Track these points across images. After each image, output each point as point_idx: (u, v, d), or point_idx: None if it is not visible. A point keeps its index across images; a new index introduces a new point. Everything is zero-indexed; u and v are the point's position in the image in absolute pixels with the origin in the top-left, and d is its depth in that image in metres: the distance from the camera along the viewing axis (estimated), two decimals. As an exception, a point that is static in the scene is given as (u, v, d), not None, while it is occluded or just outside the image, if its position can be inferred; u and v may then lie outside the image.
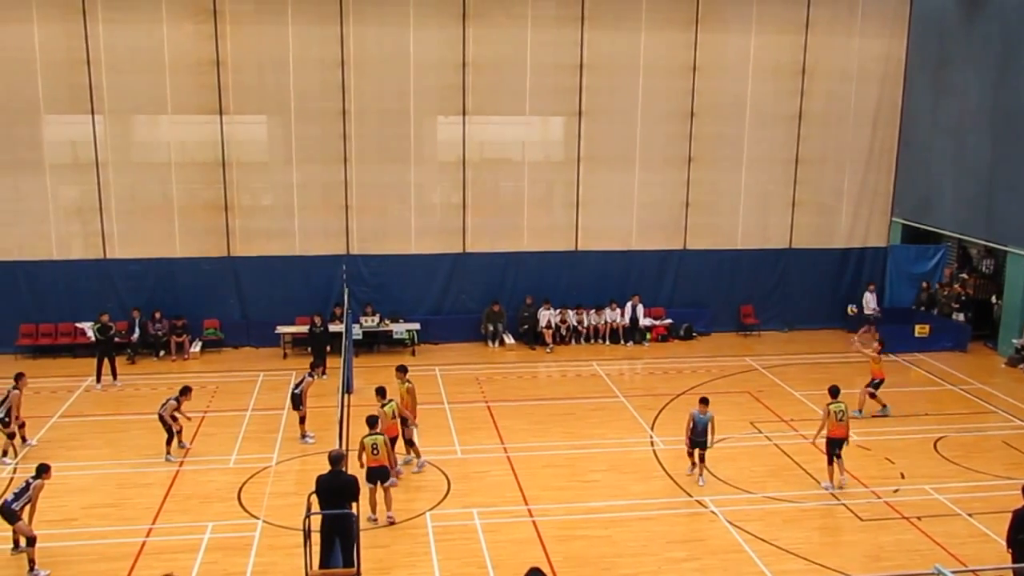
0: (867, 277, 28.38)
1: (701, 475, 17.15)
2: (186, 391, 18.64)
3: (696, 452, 17.19)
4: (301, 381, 19.31)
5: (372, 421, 15.83)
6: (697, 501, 16.41)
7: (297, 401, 19.17)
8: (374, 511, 15.52)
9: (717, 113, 27.02)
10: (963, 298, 27.11)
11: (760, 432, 19.89)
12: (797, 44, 26.96)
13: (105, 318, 23.33)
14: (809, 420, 19.88)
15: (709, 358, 25.55)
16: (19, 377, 18.90)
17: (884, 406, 21.03)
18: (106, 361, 22.96)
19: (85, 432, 19.72)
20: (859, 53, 27.33)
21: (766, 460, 18.36)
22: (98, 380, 22.85)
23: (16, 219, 25.01)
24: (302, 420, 19.19)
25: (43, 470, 14.53)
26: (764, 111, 27.22)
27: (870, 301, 27.98)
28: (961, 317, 26.90)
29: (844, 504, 16.37)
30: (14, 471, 17.45)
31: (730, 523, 15.58)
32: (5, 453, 18.11)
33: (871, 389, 20.91)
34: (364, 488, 14.58)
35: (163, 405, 18.31)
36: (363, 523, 14.78)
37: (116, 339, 23.75)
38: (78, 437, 19.40)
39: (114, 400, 21.93)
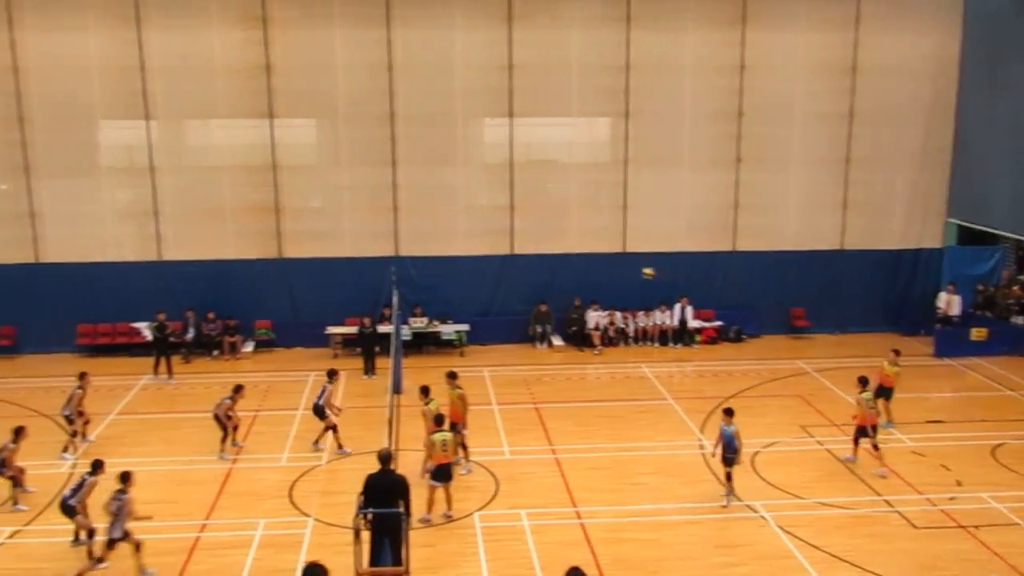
0: (922, 279, 27.92)
1: (729, 494, 16.43)
2: (239, 389, 18.89)
3: (724, 470, 16.51)
4: (322, 391, 19.01)
5: (440, 419, 16.23)
6: (747, 505, 16.27)
7: (321, 412, 18.78)
8: (429, 511, 15.56)
9: (765, 112, 26.76)
10: (1022, 301, 26.57)
11: (811, 436, 19.67)
12: (847, 41, 26.61)
13: (162, 317, 23.87)
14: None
15: (759, 361, 25.33)
16: (83, 376, 19.44)
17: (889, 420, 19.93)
18: (162, 359, 23.61)
19: (141, 429, 20.10)
20: (911, 50, 26.88)
21: (817, 465, 18.16)
22: (155, 373, 23.57)
23: (74, 222, 25.60)
24: (334, 429, 18.77)
25: (97, 466, 14.84)
26: (813, 110, 26.90)
27: (953, 303, 26.91)
28: (1020, 320, 26.37)
29: (898, 511, 16.12)
30: (73, 467, 17.83)
31: (780, 528, 15.44)
32: (66, 449, 18.58)
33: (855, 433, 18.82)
34: (419, 487, 14.73)
35: (218, 404, 18.61)
36: (413, 523, 14.97)
37: (171, 338, 24.20)
38: (134, 434, 19.78)
39: (169, 398, 22.34)
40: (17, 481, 16.41)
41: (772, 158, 27.08)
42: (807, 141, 27.06)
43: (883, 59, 26.80)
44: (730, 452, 16.30)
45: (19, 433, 16.62)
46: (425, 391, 17.54)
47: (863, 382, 18.24)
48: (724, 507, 16.19)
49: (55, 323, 25.44)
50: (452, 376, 18.22)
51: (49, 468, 17.67)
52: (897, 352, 20.53)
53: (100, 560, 13.74)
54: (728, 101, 26.58)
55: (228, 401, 18.64)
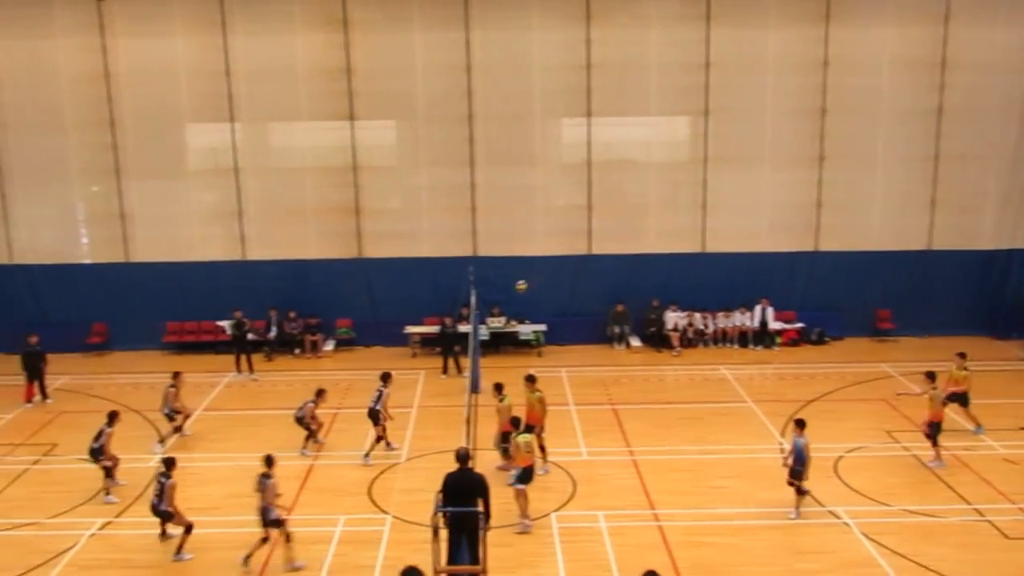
0: (1015, 280, 26.95)
1: (797, 508, 15.79)
2: (321, 393, 19.09)
3: (794, 484, 15.79)
4: (378, 395, 18.64)
5: (517, 421, 16.26)
6: (829, 511, 15.94)
7: (376, 417, 18.52)
8: (528, 516, 15.46)
9: (850, 109, 26.14)
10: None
11: (897, 442, 19.17)
12: (935, 36, 25.83)
13: (239, 314, 24.38)
14: (950, 431, 18.92)
15: (842, 364, 24.81)
16: (176, 375, 20.02)
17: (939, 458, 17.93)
18: (242, 356, 24.25)
19: (226, 425, 20.57)
20: (1003, 43, 25.92)
21: (903, 471, 17.69)
22: (238, 371, 24.19)
23: (162, 223, 26.34)
24: (380, 439, 18.65)
25: (169, 465, 15.07)
26: (900, 106, 26.19)
27: None
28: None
29: (988, 520, 15.61)
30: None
31: (863, 535, 15.08)
32: (161, 441, 19.19)
33: (926, 429, 17.97)
34: (502, 489, 14.80)
35: (300, 408, 18.85)
36: (518, 529, 15.20)
37: (249, 335, 24.74)
38: (219, 430, 20.25)
39: (252, 395, 22.81)
40: (109, 472, 16.90)
41: (857, 156, 26.47)
42: (893, 138, 26.38)
43: (974, 54, 25.90)
44: (799, 465, 15.71)
45: (114, 418, 17.16)
46: (499, 388, 17.68)
47: (931, 377, 18.06)
48: (792, 519, 15.65)
49: (144, 321, 26.20)
50: (531, 380, 18.08)
51: (138, 462, 18.15)
52: (963, 355, 19.90)
53: (265, 539, 14.18)
54: (811, 98, 26.06)
55: (311, 405, 18.88)
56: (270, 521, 14.15)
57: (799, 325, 26.78)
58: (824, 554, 14.56)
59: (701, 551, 14.65)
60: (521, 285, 22.09)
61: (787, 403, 21.48)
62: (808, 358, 25.55)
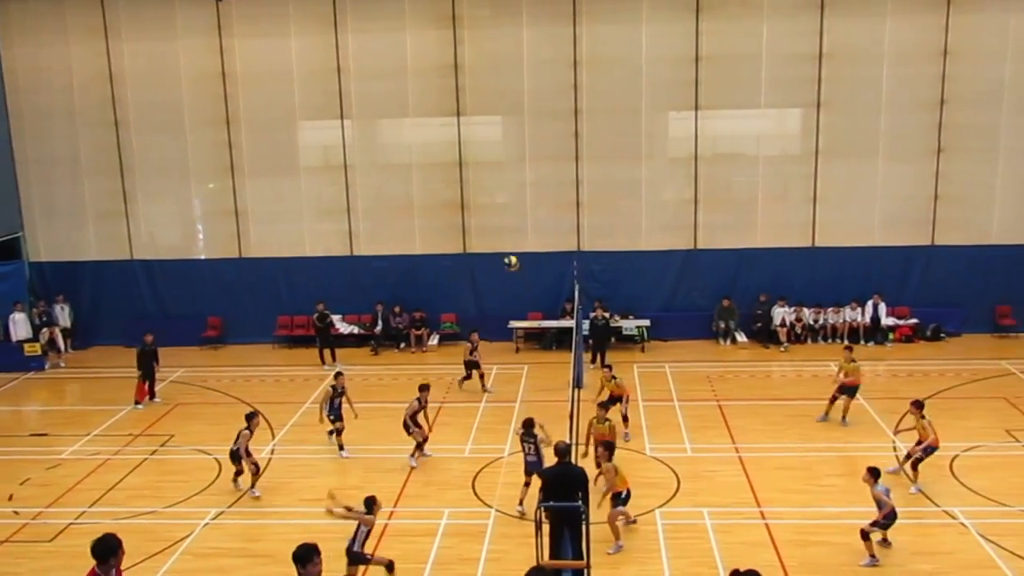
0: None
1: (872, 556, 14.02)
2: (424, 388, 18.58)
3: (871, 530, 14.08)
4: (419, 405, 18.35)
5: (610, 446, 15.54)
6: (945, 511, 15.43)
7: (409, 427, 18.13)
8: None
9: (971, 100, 25.19)
10: None
11: (1018, 441, 18.44)
12: (1063, 22, 24.74)
13: (321, 306, 24.96)
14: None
15: (959, 360, 23.95)
16: (251, 417, 17.34)
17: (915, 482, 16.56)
18: (325, 350, 24.96)
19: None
20: None
21: (1024, 471, 17.02)
22: (322, 362, 24.79)
23: (275, 218, 27.11)
24: (420, 445, 18.32)
25: (250, 419, 17.05)
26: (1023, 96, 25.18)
27: None
28: None
29: (1117, 524, 14.92)
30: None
31: (983, 537, 14.55)
32: (341, 448, 18.80)
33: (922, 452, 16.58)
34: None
35: (409, 409, 18.24)
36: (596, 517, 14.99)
37: (332, 326, 25.44)
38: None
39: (365, 389, 23.16)
40: (240, 474, 17.10)
41: (977, 148, 25.47)
42: (1016, 129, 25.29)
43: (1105, 39, 24.74)
44: (889, 518, 14.03)
45: (251, 419, 17.08)
46: (609, 367, 19.66)
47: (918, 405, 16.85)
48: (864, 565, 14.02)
49: (257, 315, 27.02)
50: (603, 407, 17.68)
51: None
52: (850, 348, 20.65)
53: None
54: (929, 89, 25.20)
55: (415, 403, 18.21)
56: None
57: (913, 321, 25.97)
58: (941, 555, 14.11)
59: (811, 550, 14.36)
60: (513, 262, 21.97)
61: (900, 400, 20.67)
62: (923, 355, 24.76)
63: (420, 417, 18.40)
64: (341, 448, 18.80)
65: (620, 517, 14.77)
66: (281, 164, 26.87)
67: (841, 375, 19.82)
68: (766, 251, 26.23)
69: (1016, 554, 14.01)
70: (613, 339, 25.00)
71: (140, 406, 22.14)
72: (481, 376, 22.64)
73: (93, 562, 9.05)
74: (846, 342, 24.47)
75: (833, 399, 19.87)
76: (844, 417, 19.72)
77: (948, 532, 14.86)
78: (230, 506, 16.58)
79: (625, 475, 15.09)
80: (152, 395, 22.58)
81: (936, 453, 16.53)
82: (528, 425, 16.02)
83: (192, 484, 17.52)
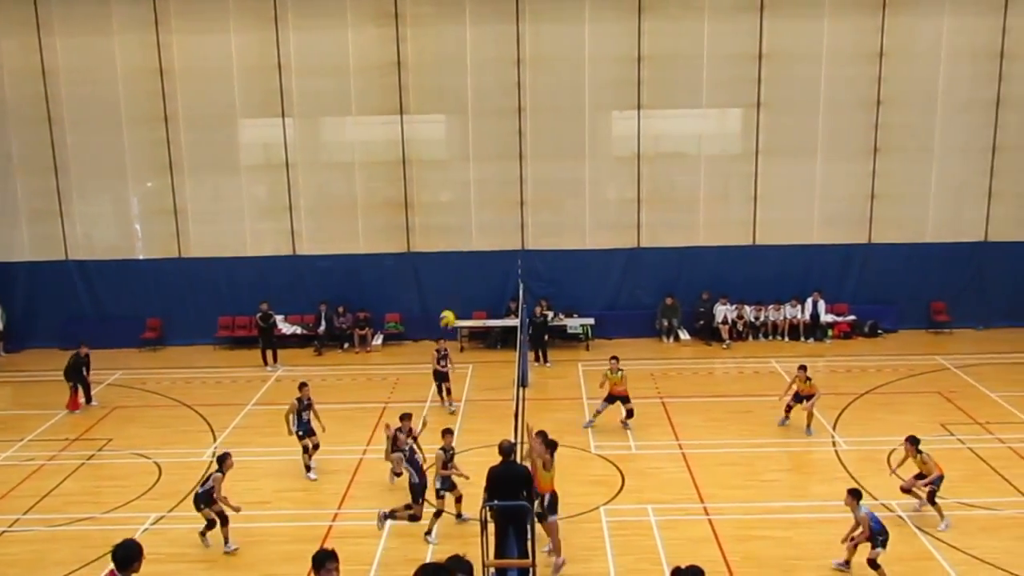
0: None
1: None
2: (405, 417, 16.13)
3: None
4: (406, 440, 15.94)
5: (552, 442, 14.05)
6: (883, 505, 15.69)
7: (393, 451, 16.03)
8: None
9: (906, 101, 25.73)
10: None
11: (952, 435, 18.85)
12: (995, 26, 25.29)
13: (264, 306, 24.70)
14: (1008, 423, 18.62)
15: (896, 356, 24.43)
16: (222, 460, 15.16)
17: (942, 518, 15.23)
18: (268, 349, 24.62)
19: (277, 420, 20.51)
20: (1066, 32, 25.41)
21: (959, 464, 17.32)
22: (265, 364, 24.45)
23: (216, 217, 26.73)
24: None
25: (223, 461, 14.87)
26: (957, 97, 25.70)
27: None
28: None
29: (1047, 514, 15.32)
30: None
31: (919, 528, 14.85)
32: (309, 469, 17.62)
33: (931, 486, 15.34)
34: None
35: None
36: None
37: (275, 327, 25.13)
38: (271, 424, 20.26)
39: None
40: (211, 526, 14.88)
41: (912, 147, 26.02)
42: (950, 129, 25.90)
43: (1034, 42, 25.40)
44: (882, 536, 13.41)
45: (223, 461, 14.99)
46: (616, 359, 19.68)
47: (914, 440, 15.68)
48: None
49: (197, 316, 26.60)
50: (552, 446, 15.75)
51: (192, 457, 18.44)
52: (804, 368, 19.40)
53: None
54: (866, 89, 25.67)
55: (399, 434, 15.79)
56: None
57: (851, 318, 26.43)
58: (878, 549, 14.35)
59: (753, 544, 14.52)
60: (447, 318, 22.84)
61: (839, 396, 21.21)
62: (861, 351, 25.21)
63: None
64: (308, 469, 17.47)
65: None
66: (221, 162, 26.48)
67: (794, 387, 19.38)
68: (708, 249, 26.51)
69: (952, 545, 14.31)
70: (547, 336, 24.84)
71: (77, 412, 21.62)
72: (448, 391, 21.02)
73: (25, 571, 8.81)
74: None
75: (789, 408, 19.40)
76: (808, 426, 19.11)
77: (886, 525, 15.09)
78: (171, 510, 16.29)
79: (552, 477, 14.11)
80: (88, 399, 22.05)
81: (873, 447, 16.82)
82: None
83: (131, 489, 17.17)
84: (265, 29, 25.52)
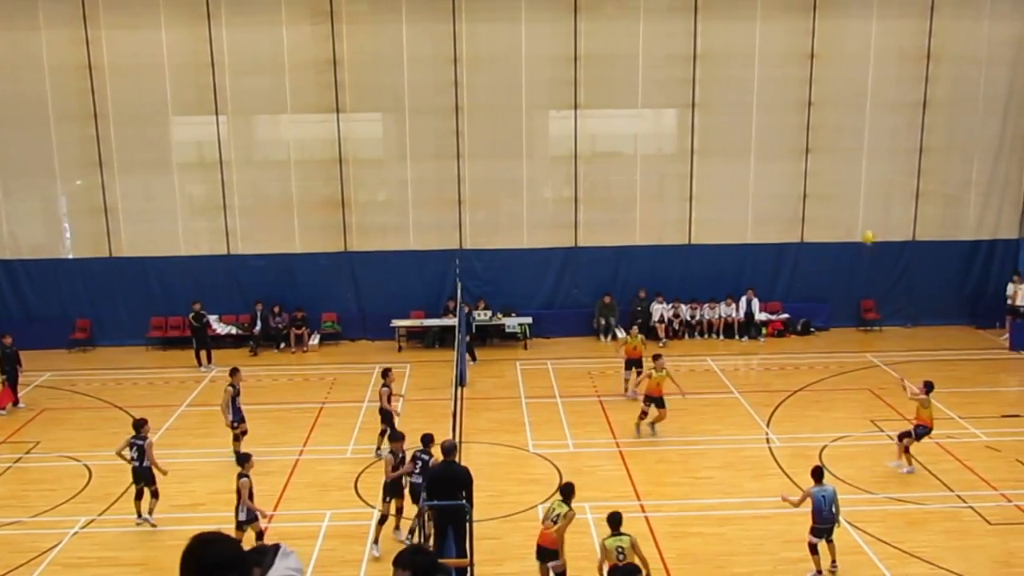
0: (997, 270, 27.08)
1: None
2: (386, 373, 18.04)
3: (821, 544, 13.73)
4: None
5: (614, 520, 12.80)
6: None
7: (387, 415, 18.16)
8: None
9: (836, 102, 26.22)
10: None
11: (882, 431, 19.26)
12: (921, 28, 25.91)
13: (197, 306, 24.41)
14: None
15: (827, 354, 24.91)
16: (234, 372, 18.46)
17: (910, 464, 17.16)
18: (202, 350, 24.31)
19: (211, 421, 20.33)
20: (989, 37, 26.04)
21: (888, 460, 17.77)
22: (199, 364, 24.14)
23: (147, 217, 26.21)
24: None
25: (140, 426, 15.56)
26: (886, 99, 26.27)
27: (1020, 294, 25.73)
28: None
29: (971, 507, 15.74)
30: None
31: (849, 524, 15.13)
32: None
33: (910, 439, 17.16)
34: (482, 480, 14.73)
35: (381, 397, 17.75)
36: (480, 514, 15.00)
37: (209, 327, 24.88)
38: (204, 425, 20.14)
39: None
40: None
41: (842, 148, 26.53)
42: (879, 130, 26.46)
43: (959, 46, 26.00)
44: (824, 522, 13.63)
45: (246, 462, 14.44)
46: (659, 356, 19.42)
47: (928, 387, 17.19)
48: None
49: (129, 316, 26.05)
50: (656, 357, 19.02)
51: (122, 460, 18.08)
52: (658, 356, 19.32)
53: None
54: (797, 90, 26.12)
55: (384, 389, 17.69)
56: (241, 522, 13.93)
57: (785, 316, 26.88)
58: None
59: (688, 541, 14.72)
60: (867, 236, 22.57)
61: (773, 393, 21.59)
62: (794, 348, 25.65)
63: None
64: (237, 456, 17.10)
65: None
66: (153, 160, 25.97)
67: (645, 381, 19.23)
68: (645, 248, 26.74)
69: (881, 540, 14.66)
70: (470, 335, 24.51)
71: (3, 412, 21.11)
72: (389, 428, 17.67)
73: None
74: (657, 349, 23.13)
75: (643, 414, 19.03)
76: (653, 425, 19.05)
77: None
78: (100, 514, 16.00)
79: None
80: (16, 401, 21.52)
81: (805, 444, 17.12)
82: (427, 442, 14.77)
83: (60, 492, 16.83)
84: (197, 25, 25.10)
